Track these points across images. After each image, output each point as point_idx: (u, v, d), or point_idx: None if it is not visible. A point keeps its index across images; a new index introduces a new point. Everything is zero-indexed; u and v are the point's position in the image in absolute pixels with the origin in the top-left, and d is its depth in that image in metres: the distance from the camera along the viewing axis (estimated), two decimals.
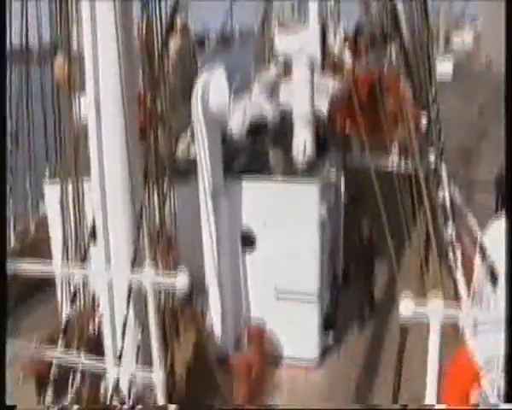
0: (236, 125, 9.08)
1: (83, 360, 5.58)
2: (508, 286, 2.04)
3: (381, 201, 6.28)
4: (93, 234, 5.81)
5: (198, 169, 6.93)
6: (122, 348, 5.14)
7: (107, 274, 3.97)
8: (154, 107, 5.96)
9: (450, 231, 6.69)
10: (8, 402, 6.43)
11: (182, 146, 8.57)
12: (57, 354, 5.36)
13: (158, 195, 6.06)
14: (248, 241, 7.72)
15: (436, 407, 2.09)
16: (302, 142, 8.19)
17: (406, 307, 1.99)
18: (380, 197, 6.32)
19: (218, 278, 7.44)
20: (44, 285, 9.02)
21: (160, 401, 4.51)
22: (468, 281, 5.95)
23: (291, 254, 7.51)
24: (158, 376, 2.20)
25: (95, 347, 6.00)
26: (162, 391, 4.32)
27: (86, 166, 5.85)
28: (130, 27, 5.45)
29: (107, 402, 4.96)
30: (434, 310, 1.92)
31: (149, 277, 2.22)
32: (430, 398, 2.03)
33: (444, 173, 7.63)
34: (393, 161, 7.77)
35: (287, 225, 7.45)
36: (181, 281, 2.16)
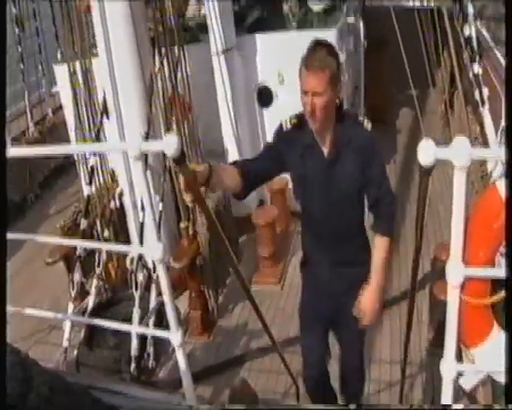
0: None
1: (105, 235, 5.66)
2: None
3: (402, 43, 5.97)
4: (105, 109, 5.69)
5: (209, 29, 6.59)
6: (143, 221, 5.15)
7: (120, 147, 3.86)
8: None
9: (476, 69, 6.34)
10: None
11: (191, 10, 8.17)
12: (80, 235, 5.45)
13: (168, 61, 5.83)
14: (265, 97, 7.44)
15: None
16: None
17: (426, 152, 1.70)
18: (401, 39, 5.99)
19: (236, 138, 7.20)
20: (67, 168, 9.09)
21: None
22: (496, 121, 5.71)
23: None
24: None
25: (118, 221, 6.05)
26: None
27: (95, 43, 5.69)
28: None
29: (133, 276, 5.02)
30: (459, 150, 1.64)
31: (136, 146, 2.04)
32: (455, 249, 1.82)
33: (470, 9, 7.15)
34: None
35: None
36: (170, 145, 1.97)
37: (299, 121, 3.37)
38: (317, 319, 3.72)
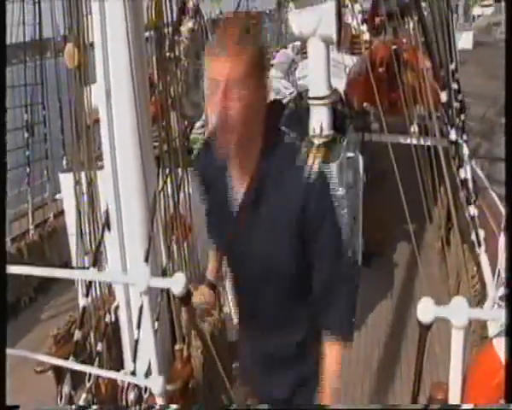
0: None
1: (99, 349, 5.59)
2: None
3: (399, 179, 6.11)
4: (107, 222, 5.76)
5: None
6: (138, 339, 5.10)
7: (126, 280, 3.93)
8: (167, 92, 5.84)
9: (472, 211, 6.50)
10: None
11: (196, 133, 8.43)
12: (73, 347, 5.39)
13: (172, 181, 5.95)
14: None
15: (462, 407, 1.96)
16: (318, 123, 7.96)
17: (425, 311, 1.79)
18: (399, 175, 6.14)
19: None
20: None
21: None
22: (493, 262, 5.78)
23: None
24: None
25: (112, 335, 5.98)
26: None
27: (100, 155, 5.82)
28: (140, 13, 5.30)
29: (124, 395, 4.94)
30: (458, 310, 1.72)
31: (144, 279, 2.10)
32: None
33: (465, 151, 7.40)
34: (413, 138, 7.53)
35: None
36: (178, 284, 2.03)
37: (207, 144, 2.40)
38: None
